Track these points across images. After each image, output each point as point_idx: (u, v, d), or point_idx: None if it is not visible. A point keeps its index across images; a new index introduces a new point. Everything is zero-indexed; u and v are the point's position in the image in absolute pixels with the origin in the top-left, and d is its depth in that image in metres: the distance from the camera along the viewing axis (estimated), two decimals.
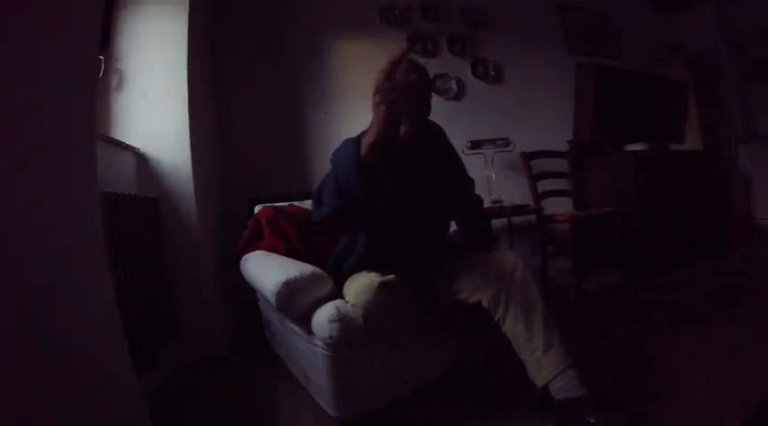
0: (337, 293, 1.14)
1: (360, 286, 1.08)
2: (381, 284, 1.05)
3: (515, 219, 2.41)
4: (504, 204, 2.31)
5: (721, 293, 1.94)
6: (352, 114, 2.41)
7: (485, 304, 1.11)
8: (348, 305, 1.06)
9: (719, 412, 1.00)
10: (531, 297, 1.07)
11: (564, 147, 2.73)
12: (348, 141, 1.15)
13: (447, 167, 1.34)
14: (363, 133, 1.23)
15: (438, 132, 1.36)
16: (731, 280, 2.13)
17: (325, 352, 1.07)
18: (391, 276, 1.09)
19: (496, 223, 2.29)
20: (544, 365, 1.03)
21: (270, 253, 1.48)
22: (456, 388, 1.25)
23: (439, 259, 1.26)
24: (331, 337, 1.02)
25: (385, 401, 1.14)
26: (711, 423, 0.98)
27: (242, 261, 1.53)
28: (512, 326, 1.07)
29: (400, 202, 1.18)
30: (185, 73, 1.75)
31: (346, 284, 1.16)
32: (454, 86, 2.73)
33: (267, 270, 1.27)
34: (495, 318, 1.10)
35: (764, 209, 3.23)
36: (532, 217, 2.44)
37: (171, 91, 1.73)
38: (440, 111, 1.55)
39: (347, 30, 2.58)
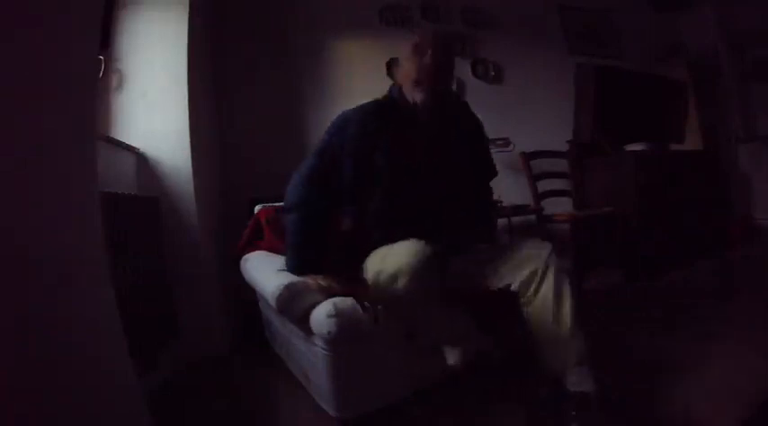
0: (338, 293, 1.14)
1: (398, 252, 1.01)
2: (426, 248, 1.00)
3: (515, 219, 2.41)
4: (504, 204, 2.31)
5: (721, 293, 1.94)
6: None
7: (515, 286, 1.09)
8: (382, 273, 1.01)
9: (720, 412, 1.00)
10: (564, 282, 1.06)
11: (564, 147, 2.73)
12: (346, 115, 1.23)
13: (469, 142, 1.31)
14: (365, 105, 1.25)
15: (463, 106, 1.36)
16: (731, 280, 2.13)
17: (325, 352, 1.07)
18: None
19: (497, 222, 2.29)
20: (567, 350, 1.02)
21: (270, 254, 1.48)
22: (457, 388, 1.25)
23: (467, 243, 1.23)
24: (329, 333, 1.01)
25: (385, 401, 1.14)
26: (711, 423, 0.98)
27: (242, 262, 1.53)
28: (540, 306, 1.06)
29: (417, 172, 1.17)
30: (185, 73, 1.75)
31: (369, 259, 1.12)
32: (454, 86, 2.72)
33: (268, 272, 1.27)
34: (523, 299, 1.08)
35: (764, 209, 3.23)
36: (532, 217, 2.43)
37: (171, 91, 1.73)
38: None
39: (347, 30, 2.58)
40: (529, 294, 1.08)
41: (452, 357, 1.10)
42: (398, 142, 1.17)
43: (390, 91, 1.27)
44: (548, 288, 1.06)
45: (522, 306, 1.09)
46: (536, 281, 1.07)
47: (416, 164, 1.18)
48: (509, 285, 1.11)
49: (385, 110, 1.21)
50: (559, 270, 1.07)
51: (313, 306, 1.08)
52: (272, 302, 1.10)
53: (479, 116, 1.40)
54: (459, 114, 1.33)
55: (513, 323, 1.14)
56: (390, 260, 1.03)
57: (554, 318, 1.04)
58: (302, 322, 1.11)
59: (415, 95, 1.19)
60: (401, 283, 0.98)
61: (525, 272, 1.08)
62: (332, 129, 1.24)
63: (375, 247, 1.15)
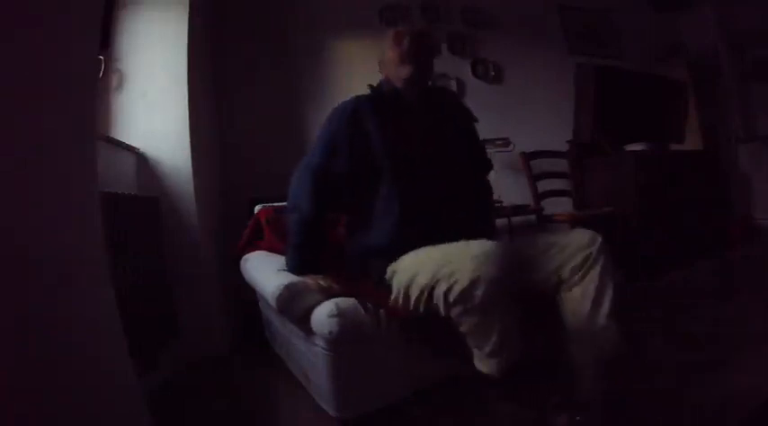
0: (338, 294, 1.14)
1: (466, 256, 0.92)
2: (499, 249, 0.94)
3: (515, 219, 2.41)
4: (504, 204, 2.31)
5: (721, 293, 1.94)
6: None
7: (565, 275, 1.07)
8: (443, 282, 0.94)
9: (720, 412, 1.00)
10: (610, 273, 1.05)
11: (564, 147, 2.73)
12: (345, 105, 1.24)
13: (462, 135, 1.35)
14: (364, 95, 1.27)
15: (461, 104, 1.42)
16: (731, 280, 2.13)
17: (325, 352, 1.07)
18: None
19: (496, 223, 2.29)
20: (599, 341, 1.02)
21: (270, 254, 1.48)
22: (458, 389, 1.25)
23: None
24: (330, 333, 1.02)
25: (385, 401, 1.14)
26: (711, 423, 0.98)
27: (242, 262, 1.53)
28: (581, 294, 1.05)
29: (415, 162, 1.18)
30: (185, 73, 1.75)
31: (401, 264, 1.08)
32: (454, 86, 2.72)
33: (268, 272, 1.27)
34: (565, 285, 1.07)
35: (764, 209, 3.22)
36: (532, 217, 2.44)
37: (171, 91, 1.73)
38: None
39: (347, 30, 2.58)
40: (574, 280, 1.06)
41: (487, 365, 1.01)
42: (392, 128, 1.20)
43: (380, 83, 1.31)
44: (593, 276, 1.05)
45: (561, 292, 1.08)
46: (585, 268, 1.05)
47: (413, 153, 1.19)
48: (554, 287, 1.09)
49: (376, 99, 1.25)
50: (607, 262, 1.06)
51: (313, 306, 1.09)
52: (272, 302, 1.10)
53: (479, 116, 1.40)
54: (455, 112, 1.36)
55: (553, 326, 1.12)
56: (456, 266, 0.93)
57: (593, 307, 1.03)
58: (302, 322, 1.11)
59: (401, 72, 1.22)
60: (480, 292, 0.89)
61: (578, 259, 1.06)
62: (332, 118, 1.26)
63: (382, 244, 1.15)
